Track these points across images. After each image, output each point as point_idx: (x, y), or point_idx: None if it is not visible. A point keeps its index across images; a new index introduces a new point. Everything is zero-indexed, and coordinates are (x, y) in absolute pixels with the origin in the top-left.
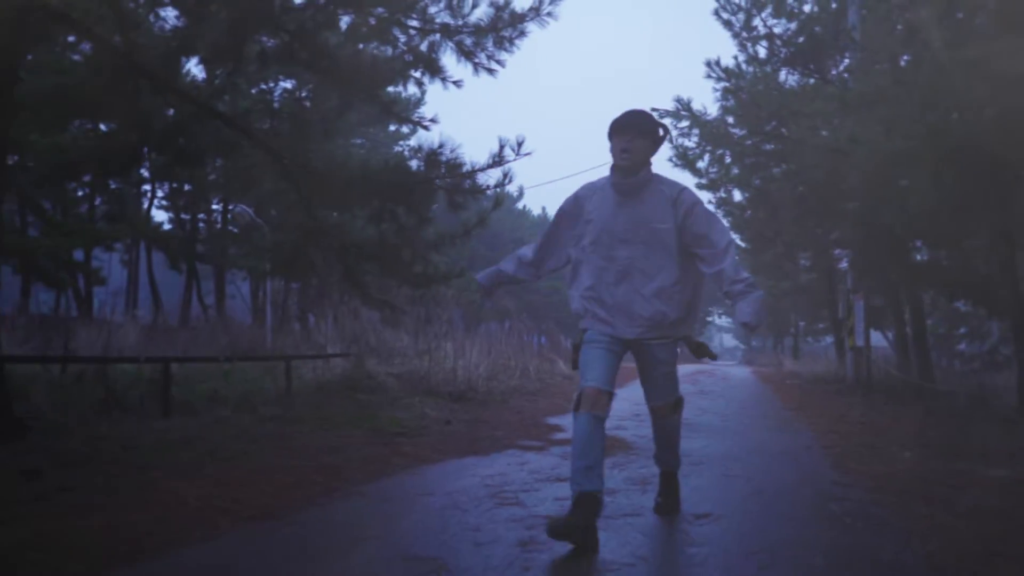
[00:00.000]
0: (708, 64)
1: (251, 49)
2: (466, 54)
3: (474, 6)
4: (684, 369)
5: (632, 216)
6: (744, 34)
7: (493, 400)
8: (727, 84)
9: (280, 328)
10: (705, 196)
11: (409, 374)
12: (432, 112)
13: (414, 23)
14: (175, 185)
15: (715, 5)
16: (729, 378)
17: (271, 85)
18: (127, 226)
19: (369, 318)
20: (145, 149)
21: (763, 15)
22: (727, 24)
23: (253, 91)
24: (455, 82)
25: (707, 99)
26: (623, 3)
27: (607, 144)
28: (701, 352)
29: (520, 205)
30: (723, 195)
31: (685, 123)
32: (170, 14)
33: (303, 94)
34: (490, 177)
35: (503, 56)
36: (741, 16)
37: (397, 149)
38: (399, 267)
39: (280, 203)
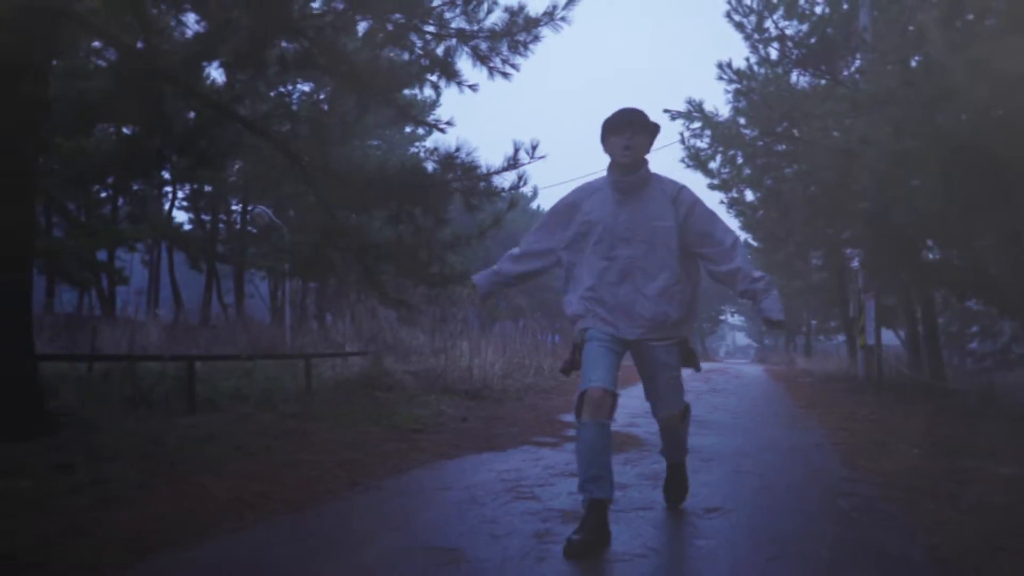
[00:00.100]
0: (719, 66)
1: (271, 54)
2: (481, 58)
3: (489, 11)
4: None
5: (633, 215)
6: (756, 36)
7: (508, 398)
8: (739, 86)
9: (298, 327)
10: (717, 196)
11: (426, 372)
12: (447, 114)
13: (430, 28)
14: (195, 187)
15: (727, 7)
16: (741, 376)
17: (289, 88)
18: (149, 227)
19: (386, 317)
20: (167, 152)
21: (775, 17)
22: (739, 26)
23: (272, 94)
24: (471, 86)
25: (718, 100)
26: (627, 5)
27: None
28: (690, 361)
29: (534, 205)
30: (735, 195)
31: (697, 124)
32: (190, 18)
33: (321, 96)
34: (505, 179)
35: (517, 60)
36: (753, 18)
37: (413, 150)
38: (416, 267)
39: (299, 205)
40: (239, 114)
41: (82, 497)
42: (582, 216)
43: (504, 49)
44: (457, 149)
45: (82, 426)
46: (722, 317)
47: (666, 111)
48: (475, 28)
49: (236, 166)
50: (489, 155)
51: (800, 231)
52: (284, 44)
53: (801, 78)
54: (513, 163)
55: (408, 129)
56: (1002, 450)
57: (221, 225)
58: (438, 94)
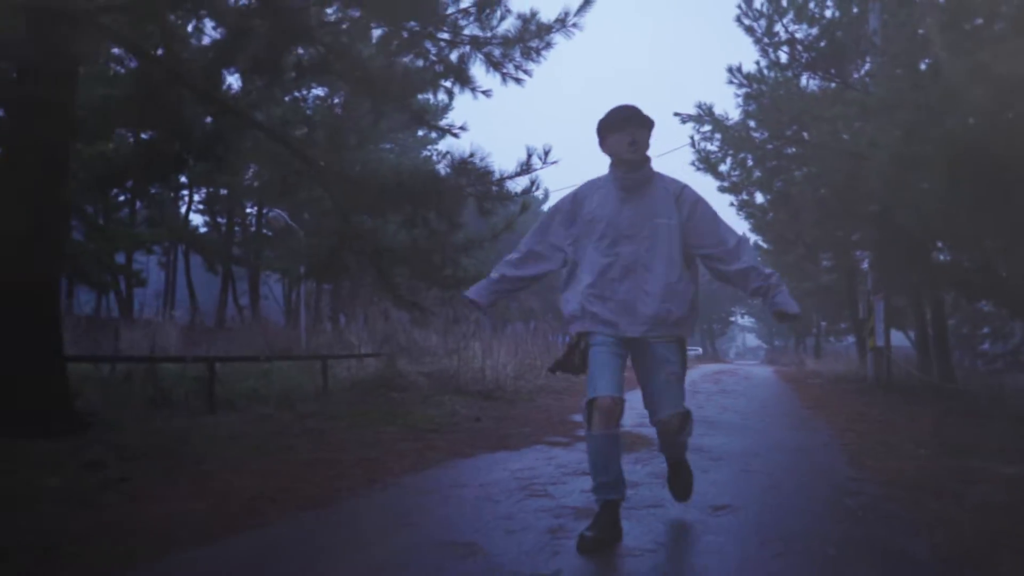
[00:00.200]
0: (729, 70)
1: (288, 61)
2: (495, 65)
3: (502, 18)
4: (706, 368)
5: (636, 211)
6: (766, 40)
7: (520, 398)
8: (748, 90)
9: (312, 328)
10: (727, 199)
11: (439, 373)
12: (458, 117)
13: (444, 35)
14: (211, 190)
15: (736, 12)
16: (751, 377)
17: (304, 92)
18: (167, 230)
19: (399, 319)
20: (186, 157)
21: (784, 21)
22: (749, 30)
23: (286, 98)
24: (484, 92)
25: (726, 104)
26: (630, 6)
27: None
28: (781, 316)
29: (545, 207)
30: (745, 197)
31: (707, 127)
32: (207, 23)
33: (335, 100)
34: (518, 184)
35: (530, 66)
36: (763, 22)
37: (425, 153)
38: (430, 270)
39: (315, 208)
40: (256, 120)
41: (112, 494)
42: (586, 213)
43: (517, 55)
44: (471, 155)
45: (108, 425)
46: (732, 319)
47: (676, 114)
48: (488, 35)
49: (251, 170)
50: (500, 156)
51: (810, 233)
52: (300, 51)
53: (811, 81)
54: (526, 168)
55: (420, 132)
56: (1009, 450)
57: (236, 228)
58: (451, 99)
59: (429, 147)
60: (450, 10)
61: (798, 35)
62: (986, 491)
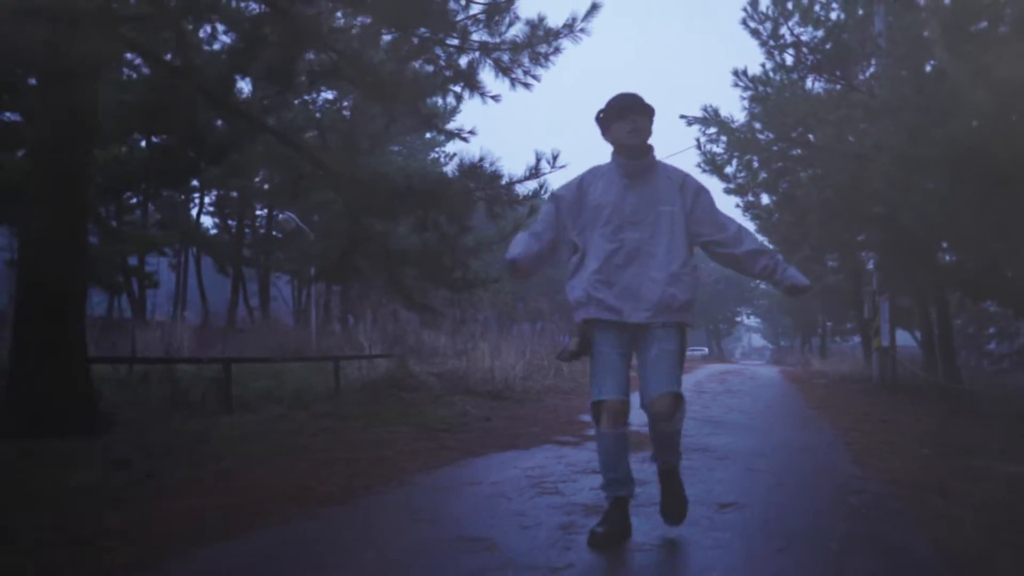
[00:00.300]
0: (735, 73)
1: (300, 67)
2: (504, 70)
3: (510, 24)
4: (711, 369)
5: (641, 198)
6: (771, 42)
7: (529, 399)
8: (754, 92)
9: (322, 329)
10: (733, 200)
11: (449, 373)
12: (465, 119)
13: (454, 41)
14: (222, 193)
15: (742, 15)
16: (757, 377)
17: (313, 96)
18: (179, 232)
19: (408, 319)
20: (201, 162)
21: (790, 24)
22: (755, 33)
23: (295, 102)
24: (493, 97)
25: (731, 105)
26: (637, 10)
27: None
28: (791, 290)
29: (544, 195)
30: (751, 199)
31: (713, 130)
32: (218, 28)
33: (344, 103)
34: (526, 187)
35: (539, 71)
36: (769, 25)
37: (433, 156)
38: (440, 272)
39: (326, 212)
40: (268, 125)
41: (140, 490)
42: (591, 200)
43: (526, 61)
44: (481, 159)
45: (130, 425)
46: (738, 319)
47: (682, 116)
48: (497, 41)
49: (261, 173)
50: (507, 158)
51: (815, 234)
52: (311, 56)
53: (816, 84)
54: (535, 172)
55: (428, 135)
56: (1011, 450)
57: (247, 230)
58: (459, 102)
59: (436, 149)
60: (459, 16)
61: (803, 37)
62: (988, 489)
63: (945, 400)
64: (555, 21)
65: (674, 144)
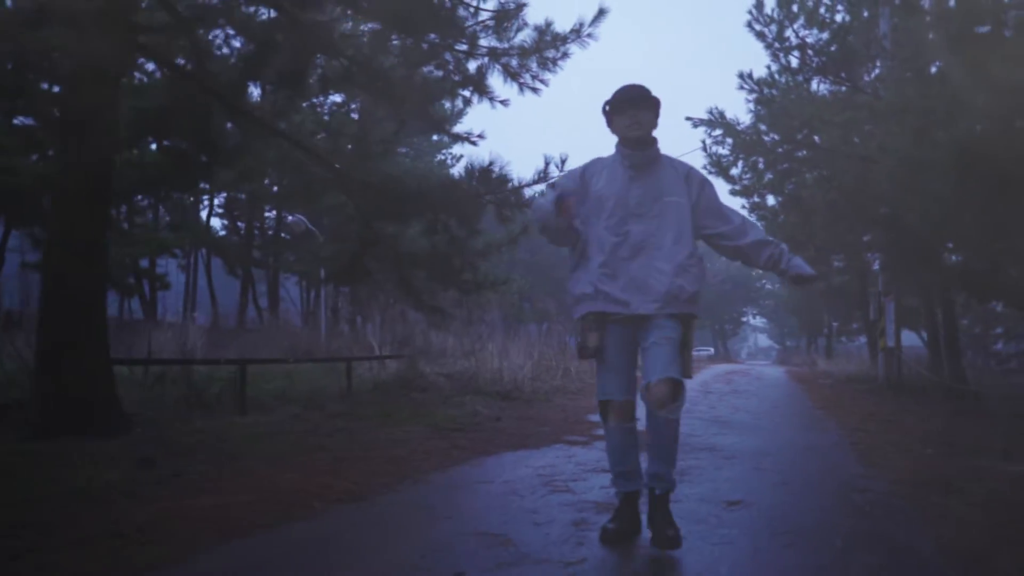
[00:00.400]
0: (740, 76)
1: (312, 73)
2: (512, 75)
3: (519, 30)
4: (718, 369)
5: (646, 190)
6: (777, 45)
7: (538, 399)
8: (759, 95)
9: (331, 330)
10: (739, 202)
11: (458, 374)
12: (472, 121)
13: (462, 47)
14: (231, 194)
15: (748, 17)
16: (763, 378)
17: (321, 99)
18: (189, 234)
19: (415, 320)
20: (214, 166)
21: (795, 26)
22: (760, 35)
23: (304, 105)
24: (502, 101)
25: (738, 109)
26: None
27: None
28: (797, 280)
29: None
30: (756, 200)
31: (718, 132)
32: (228, 32)
33: (353, 105)
34: (535, 191)
35: (547, 76)
36: (774, 28)
37: (440, 157)
38: (449, 273)
39: (337, 215)
40: (281, 129)
41: (166, 487)
42: (594, 192)
43: (534, 65)
44: (491, 164)
45: (151, 425)
46: (744, 319)
47: (688, 118)
48: (506, 46)
49: (271, 176)
50: (514, 159)
51: (821, 235)
52: (321, 61)
53: (821, 85)
54: (543, 176)
55: (435, 137)
56: (1016, 449)
57: (256, 232)
58: (467, 105)
59: (443, 151)
60: (469, 23)
61: (809, 39)
62: (991, 488)
63: (950, 400)
64: (563, 26)
65: (680, 146)
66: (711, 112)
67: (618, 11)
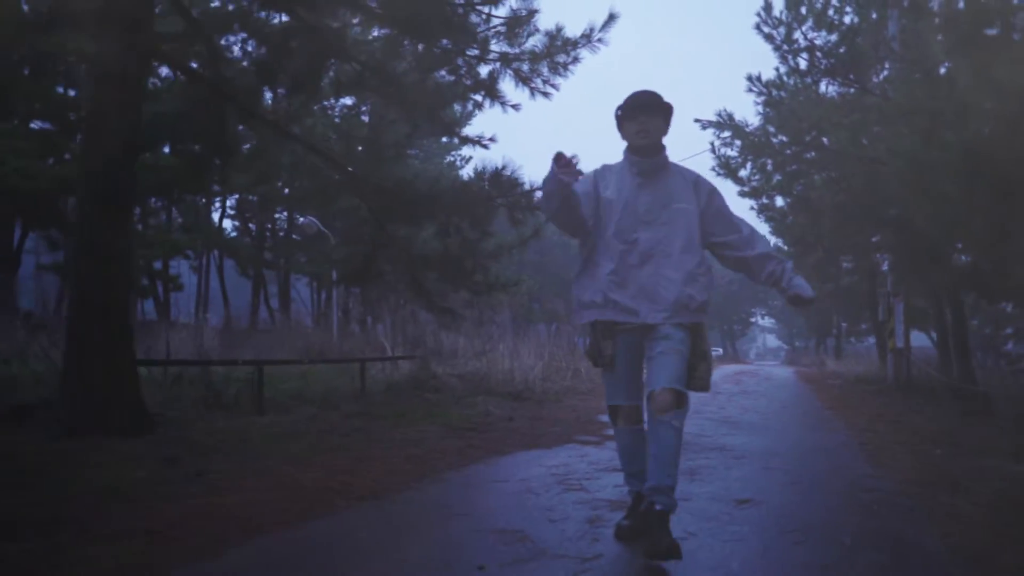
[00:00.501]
0: (749, 78)
1: (326, 78)
2: (523, 80)
3: (530, 35)
4: (726, 369)
5: (655, 197)
6: (785, 47)
7: (548, 399)
8: (767, 97)
9: (342, 330)
10: (747, 203)
11: (470, 375)
12: (482, 124)
13: (474, 52)
14: (242, 196)
15: (756, 20)
16: (772, 378)
17: (332, 102)
18: (202, 236)
19: (426, 321)
20: (229, 170)
21: (804, 28)
22: (768, 37)
23: (315, 108)
24: (513, 106)
25: (747, 110)
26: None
27: (619, 139)
28: (796, 300)
29: None
30: (765, 201)
31: (727, 133)
32: (243, 38)
33: (364, 108)
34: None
35: (558, 80)
36: (782, 30)
37: (449, 159)
38: (461, 275)
39: (350, 217)
40: (295, 133)
41: (192, 486)
42: (603, 198)
43: (545, 70)
44: (503, 167)
45: (173, 425)
46: (752, 319)
47: (697, 120)
48: (517, 51)
49: (283, 179)
50: (523, 161)
51: (829, 237)
52: (333, 64)
53: (830, 87)
54: None
55: (444, 139)
56: (1022, 450)
57: (267, 233)
58: (479, 109)
59: (453, 153)
60: (481, 28)
61: (817, 41)
62: (998, 488)
63: (960, 401)
64: (573, 31)
65: (688, 148)
66: (720, 114)
67: (627, 15)
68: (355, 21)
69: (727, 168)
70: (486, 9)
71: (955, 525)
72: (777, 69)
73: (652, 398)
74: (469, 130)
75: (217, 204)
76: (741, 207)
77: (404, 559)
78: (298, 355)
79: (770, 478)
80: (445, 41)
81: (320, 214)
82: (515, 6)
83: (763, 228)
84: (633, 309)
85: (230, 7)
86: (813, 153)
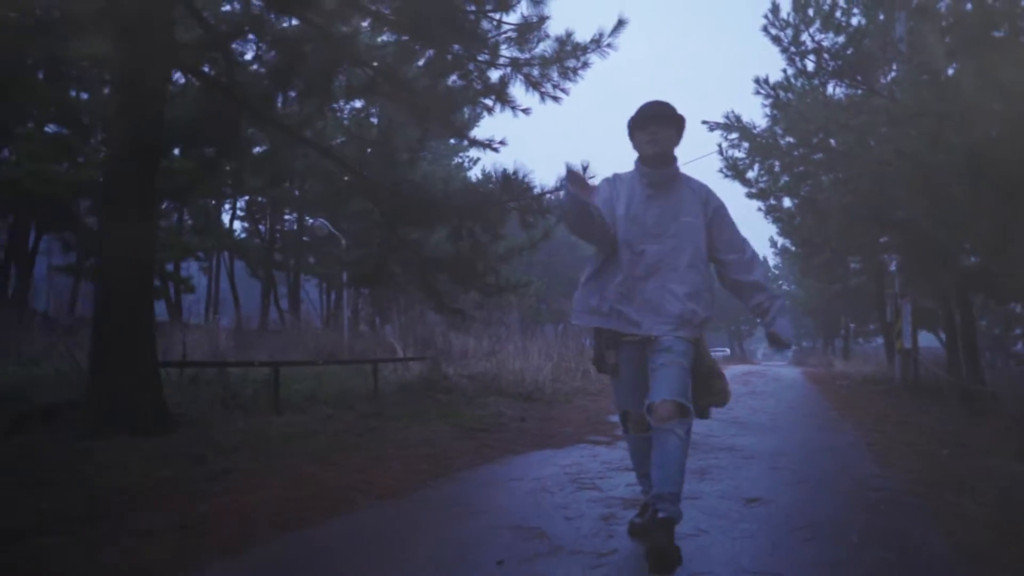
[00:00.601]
0: (757, 81)
1: (338, 83)
2: (534, 84)
3: (540, 41)
4: (734, 370)
5: (663, 210)
6: (792, 49)
7: (558, 400)
8: (775, 100)
9: (352, 331)
10: (755, 204)
11: (481, 376)
12: (493, 128)
13: (484, 57)
14: (252, 198)
15: (763, 22)
16: (780, 379)
17: (341, 104)
18: (214, 238)
19: (434, 321)
20: (243, 174)
21: (811, 30)
22: (775, 39)
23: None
24: (523, 110)
25: (754, 112)
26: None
27: (629, 143)
28: (775, 339)
29: None
30: (772, 202)
31: (734, 135)
32: (258, 44)
33: (373, 110)
34: (557, 198)
35: (567, 85)
36: (789, 32)
37: (457, 160)
38: (472, 277)
39: (362, 220)
40: (309, 139)
41: (218, 484)
42: (615, 208)
43: (555, 75)
44: (515, 172)
45: (194, 425)
46: (759, 321)
47: (704, 122)
48: (527, 56)
49: (294, 182)
50: (532, 164)
51: (837, 238)
52: (344, 68)
53: (837, 88)
54: (565, 183)
55: (452, 141)
56: None
57: (277, 235)
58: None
59: (461, 154)
60: (492, 34)
61: (824, 43)
62: (1003, 487)
63: (967, 402)
64: (583, 36)
65: (696, 149)
66: (727, 116)
67: (636, 19)
68: (364, 24)
69: (735, 170)
70: (498, 15)
71: (960, 524)
72: (784, 71)
73: (652, 410)
74: (477, 132)
75: (227, 206)
76: (749, 208)
77: (425, 554)
78: (309, 356)
79: (779, 477)
80: (457, 47)
81: (330, 216)
82: (526, 13)
83: (770, 229)
84: (636, 321)
85: (238, 7)
86: (820, 155)
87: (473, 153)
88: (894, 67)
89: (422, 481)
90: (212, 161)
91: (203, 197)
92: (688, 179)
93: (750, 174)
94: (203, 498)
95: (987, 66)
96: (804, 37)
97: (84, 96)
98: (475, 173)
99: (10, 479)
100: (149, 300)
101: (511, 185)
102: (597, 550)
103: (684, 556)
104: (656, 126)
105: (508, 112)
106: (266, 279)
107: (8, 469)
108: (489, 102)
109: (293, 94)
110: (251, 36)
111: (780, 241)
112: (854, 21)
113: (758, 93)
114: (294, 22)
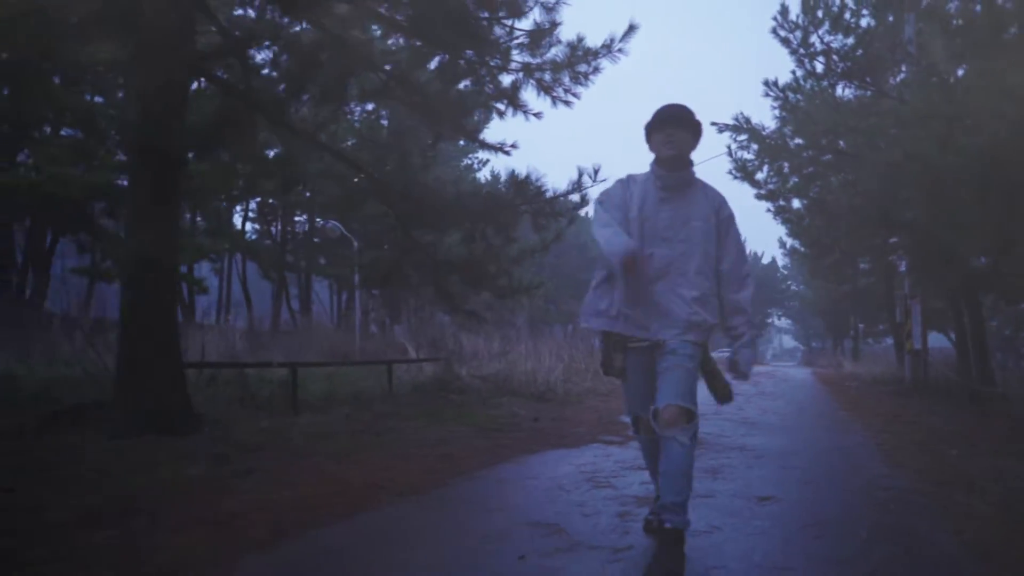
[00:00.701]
0: (766, 83)
1: (353, 89)
2: (545, 89)
3: (551, 46)
4: None
5: (675, 213)
6: (802, 51)
7: (571, 400)
8: (784, 102)
9: (363, 332)
10: (764, 206)
11: (493, 376)
12: (503, 131)
13: (496, 62)
14: (263, 200)
15: (772, 24)
16: (789, 380)
17: (352, 107)
18: (227, 240)
19: (444, 322)
20: (259, 178)
21: (820, 32)
22: (785, 41)
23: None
24: (535, 114)
25: (763, 114)
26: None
27: (645, 145)
28: (734, 367)
29: (582, 212)
30: (782, 204)
31: (744, 137)
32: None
33: (383, 112)
34: (569, 200)
35: (579, 89)
36: (799, 34)
37: (467, 162)
38: (485, 279)
39: (377, 223)
40: (324, 143)
41: (245, 481)
42: (629, 210)
43: (566, 80)
44: (527, 176)
45: (216, 425)
46: (769, 320)
47: (713, 123)
48: (539, 61)
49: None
50: (543, 166)
51: (846, 239)
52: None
53: (847, 90)
54: (577, 186)
55: (461, 143)
56: None
57: (288, 236)
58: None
59: (470, 156)
60: (504, 40)
61: (834, 45)
62: (1011, 486)
63: (977, 402)
64: (594, 41)
65: (706, 151)
66: (736, 118)
67: (646, 22)
68: (376, 29)
69: (744, 171)
70: (510, 22)
71: (969, 523)
72: (793, 72)
73: (657, 415)
74: (487, 134)
75: (239, 208)
76: (758, 209)
77: (449, 549)
78: (322, 356)
79: (789, 476)
80: (469, 52)
81: (342, 218)
82: (538, 19)
83: (779, 230)
84: (644, 324)
85: (253, 15)
86: (830, 156)
87: (482, 155)
88: (903, 69)
89: (441, 479)
90: (228, 165)
91: (223, 200)
92: (705, 185)
93: (759, 175)
94: (232, 495)
95: (996, 68)
96: (813, 39)
97: (99, 100)
98: (484, 175)
99: (46, 476)
100: (173, 303)
101: (523, 188)
102: (614, 545)
103: (699, 554)
104: (673, 128)
105: (519, 116)
106: (278, 280)
107: (43, 467)
108: (501, 106)
109: (306, 98)
110: (266, 42)
111: (789, 242)
112: (863, 23)
113: (767, 95)
114: (307, 27)
